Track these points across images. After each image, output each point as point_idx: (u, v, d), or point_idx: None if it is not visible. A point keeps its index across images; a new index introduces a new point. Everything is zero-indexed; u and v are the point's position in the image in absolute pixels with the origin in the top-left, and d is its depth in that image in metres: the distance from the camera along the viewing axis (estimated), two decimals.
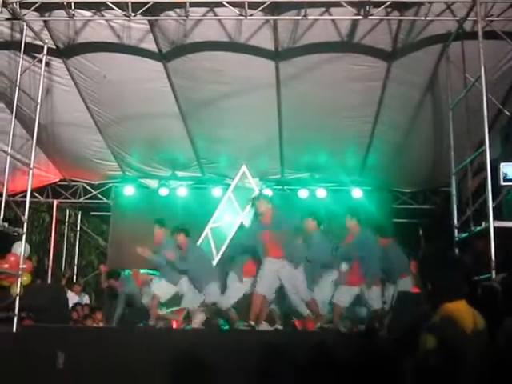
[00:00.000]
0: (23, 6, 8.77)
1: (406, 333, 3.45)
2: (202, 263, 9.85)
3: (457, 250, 8.90)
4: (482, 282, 5.66)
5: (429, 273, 3.56)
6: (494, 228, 7.63)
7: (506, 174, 8.23)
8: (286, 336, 8.81)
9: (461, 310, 3.37)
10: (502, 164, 8.28)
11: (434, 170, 12.62)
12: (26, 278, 9.53)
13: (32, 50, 9.69)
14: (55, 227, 15.30)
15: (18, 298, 8.60)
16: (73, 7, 8.74)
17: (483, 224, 8.00)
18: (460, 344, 3.21)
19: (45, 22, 9.49)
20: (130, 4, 8.59)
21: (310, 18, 8.76)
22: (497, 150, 8.94)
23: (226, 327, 9.70)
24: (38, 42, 9.60)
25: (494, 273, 7.32)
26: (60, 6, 8.83)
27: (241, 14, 8.66)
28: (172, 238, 9.84)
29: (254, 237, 9.31)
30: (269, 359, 7.17)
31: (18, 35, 9.57)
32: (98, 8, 9.01)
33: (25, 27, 9.13)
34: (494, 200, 7.82)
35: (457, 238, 9.06)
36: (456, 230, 9.13)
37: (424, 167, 12.92)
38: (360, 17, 8.64)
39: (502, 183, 8.30)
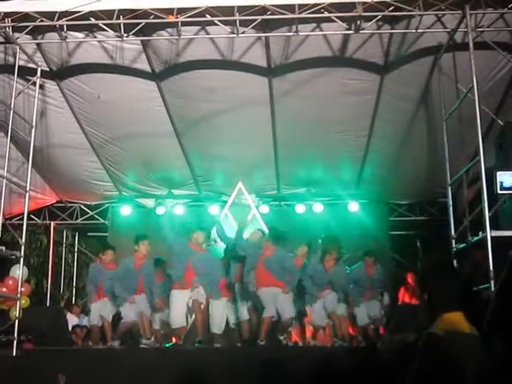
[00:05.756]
0: (16, 29, 8.80)
1: (406, 346, 3.45)
2: None
3: (455, 261, 8.90)
4: (484, 292, 5.66)
5: (426, 284, 3.58)
6: (492, 237, 7.63)
7: (502, 183, 8.21)
8: (287, 351, 8.79)
9: (461, 321, 3.38)
10: (498, 173, 8.26)
11: (430, 181, 12.63)
12: (24, 301, 9.50)
13: (26, 72, 9.72)
14: (53, 249, 15.22)
15: (17, 321, 8.57)
16: (65, 29, 8.76)
17: (480, 234, 8.00)
18: (466, 358, 3.22)
19: (38, 44, 9.52)
20: (122, 25, 8.60)
21: (301, 33, 8.78)
22: (491, 159, 8.92)
23: None
24: (32, 65, 9.62)
25: (492, 283, 7.31)
26: (52, 29, 8.83)
27: (232, 32, 8.68)
28: None
29: None
30: (270, 374, 7.15)
31: (11, 59, 9.59)
32: (91, 29, 9.03)
33: (18, 50, 9.16)
34: (490, 209, 7.82)
35: (454, 249, 9.05)
36: (454, 241, 9.12)
37: (420, 179, 12.93)
38: (351, 31, 8.66)
39: (499, 191, 8.27)
